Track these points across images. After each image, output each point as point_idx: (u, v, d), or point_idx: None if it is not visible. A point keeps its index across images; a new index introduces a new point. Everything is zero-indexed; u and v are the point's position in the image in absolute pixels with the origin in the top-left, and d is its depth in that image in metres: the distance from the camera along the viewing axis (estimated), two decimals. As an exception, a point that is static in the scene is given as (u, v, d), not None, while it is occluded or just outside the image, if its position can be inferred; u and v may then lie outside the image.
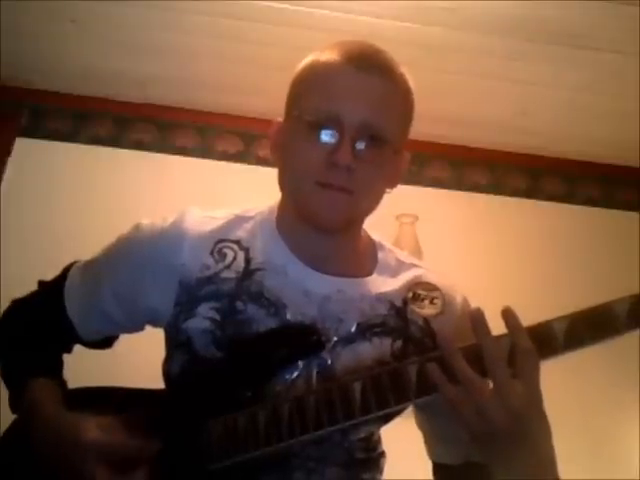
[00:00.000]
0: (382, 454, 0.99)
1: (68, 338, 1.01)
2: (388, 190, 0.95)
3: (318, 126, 0.87)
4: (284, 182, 0.94)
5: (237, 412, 0.81)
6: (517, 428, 0.73)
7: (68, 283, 1.00)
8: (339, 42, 0.92)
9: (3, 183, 2.30)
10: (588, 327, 0.78)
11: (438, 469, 1.03)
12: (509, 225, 2.49)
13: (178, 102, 2.46)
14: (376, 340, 0.91)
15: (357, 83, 0.87)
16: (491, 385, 0.75)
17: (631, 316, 0.78)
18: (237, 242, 0.95)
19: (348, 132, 0.85)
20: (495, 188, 2.59)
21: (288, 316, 0.89)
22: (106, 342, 1.05)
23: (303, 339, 0.86)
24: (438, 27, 1.93)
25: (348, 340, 0.90)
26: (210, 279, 0.91)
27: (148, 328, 1.00)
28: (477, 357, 0.75)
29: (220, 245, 0.94)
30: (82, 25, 2.05)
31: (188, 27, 2.02)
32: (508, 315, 0.77)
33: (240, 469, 0.81)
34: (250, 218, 0.99)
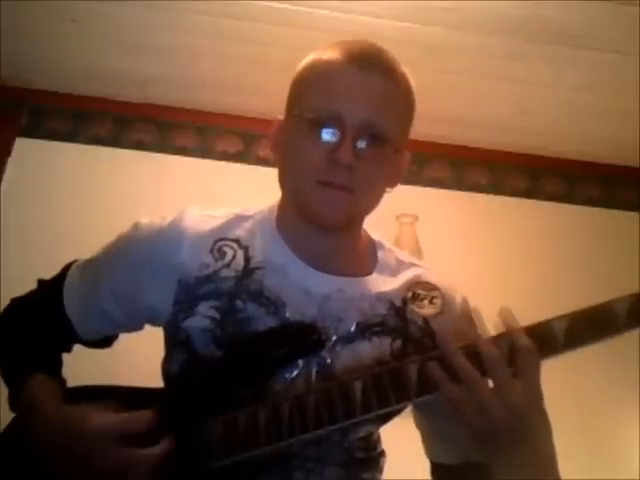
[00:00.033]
0: (382, 453, 0.99)
1: (67, 337, 1.01)
2: (388, 189, 0.95)
3: (319, 125, 0.87)
4: (285, 181, 0.94)
5: (237, 411, 0.81)
6: (518, 427, 0.73)
7: (67, 282, 1.00)
8: (340, 41, 0.92)
9: (3, 183, 2.30)
10: (588, 326, 0.79)
11: (436, 469, 1.03)
12: (509, 225, 2.50)
13: (178, 102, 2.46)
14: (375, 339, 0.91)
15: (358, 82, 0.87)
16: (491, 384, 0.75)
17: (631, 315, 0.79)
18: (236, 241, 0.95)
19: (349, 131, 0.85)
20: (495, 188, 2.60)
21: (288, 315, 0.89)
22: (105, 341, 1.05)
23: (303, 338, 0.86)
24: (438, 27, 1.93)
25: (348, 339, 0.90)
26: (209, 278, 0.91)
27: (147, 327, 1.00)
28: (477, 356, 0.76)
29: (219, 244, 0.94)
30: (82, 25, 2.05)
31: (188, 27, 2.02)
32: (506, 315, 0.77)
33: (240, 468, 0.81)
34: (250, 217, 0.99)
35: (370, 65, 0.88)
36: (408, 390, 0.78)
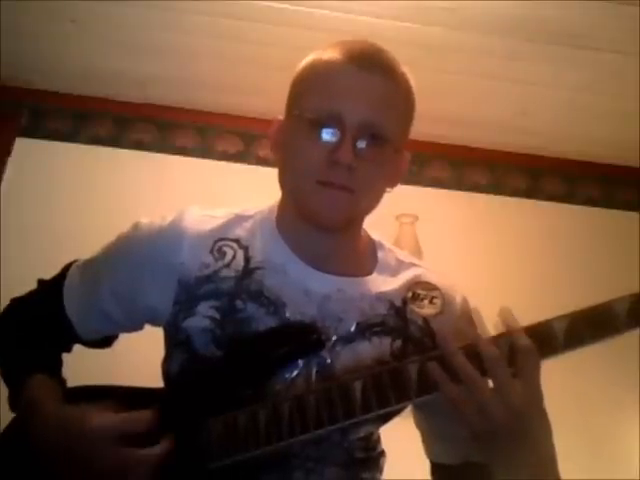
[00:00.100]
0: (382, 453, 0.98)
1: (67, 337, 1.01)
2: (388, 189, 0.95)
3: (319, 125, 0.87)
4: (284, 181, 0.94)
5: (237, 411, 0.81)
6: (518, 426, 0.73)
7: (67, 282, 1.00)
8: (340, 41, 0.92)
9: (3, 183, 2.30)
10: (588, 326, 0.79)
11: (436, 469, 1.03)
12: (509, 225, 2.50)
13: (178, 102, 2.46)
14: (375, 339, 0.91)
15: (358, 82, 0.87)
16: (491, 384, 0.75)
17: (631, 315, 0.79)
18: (236, 241, 0.95)
19: (349, 131, 0.85)
20: (495, 188, 2.60)
21: (288, 315, 0.89)
22: (105, 341, 1.05)
23: (303, 338, 0.86)
24: (438, 27, 1.93)
25: (348, 339, 0.90)
26: (209, 278, 0.91)
27: (147, 327, 1.00)
28: (477, 356, 0.76)
29: (219, 244, 0.94)
30: (82, 25, 2.05)
31: (188, 27, 2.02)
32: (506, 315, 0.78)
33: (240, 468, 0.81)
34: (250, 217, 0.99)
35: (370, 65, 0.88)
36: (408, 390, 0.78)
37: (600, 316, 0.79)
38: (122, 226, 1.01)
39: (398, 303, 0.95)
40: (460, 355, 0.76)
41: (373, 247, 1.02)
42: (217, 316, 0.89)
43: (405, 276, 0.99)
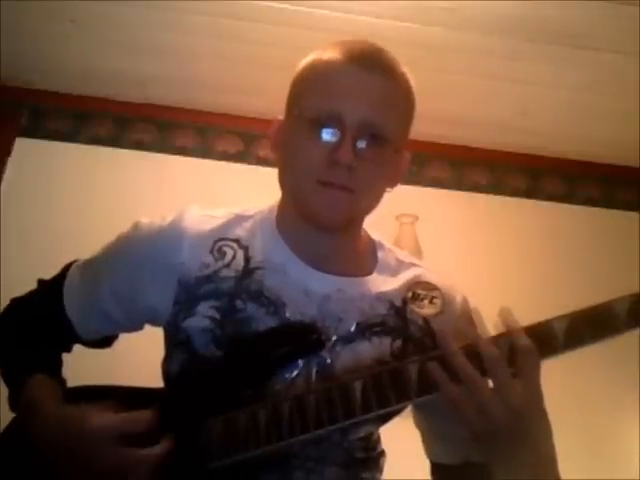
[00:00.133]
0: (382, 453, 0.98)
1: (67, 337, 1.01)
2: (388, 189, 0.95)
3: (319, 124, 0.87)
4: (285, 181, 0.94)
5: (237, 411, 0.81)
6: (518, 426, 0.74)
7: (67, 282, 1.00)
8: (340, 41, 0.92)
9: (3, 183, 2.30)
10: (588, 326, 0.79)
11: (436, 469, 1.03)
12: (509, 225, 2.50)
13: (178, 102, 2.46)
14: (375, 339, 0.91)
15: (358, 82, 0.87)
16: (491, 384, 0.75)
17: (631, 315, 0.79)
18: (236, 241, 0.95)
19: (349, 131, 0.85)
20: (495, 188, 2.60)
21: (287, 315, 0.89)
22: (105, 341, 1.05)
23: (303, 338, 0.86)
24: (438, 27, 1.93)
25: (348, 339, 0.90)
26: (209, 278, 0.91)
27: (147, 327, 1.00)
28: (477, 356, 0.76)
29: (219, 244, 0.94)
30: (82, 25, 2.05)
31: (188, 27, 2.02)
32: (506, 315, 0.78)
33: (240, 468, 0.81)
34: (250, 217, 0.99)
35: (370, 65, 0.88)
36: (408, 390, 0.78)
37: (600, 316, 0.79)
38: (122, 226, 1.01)
39: (398, 303, 0.95)
40: (460, 355, 0.76)
41: (373, 247, 1.02)
42: (217, 316, 0.89)
43: (405, 276, 0.99)
